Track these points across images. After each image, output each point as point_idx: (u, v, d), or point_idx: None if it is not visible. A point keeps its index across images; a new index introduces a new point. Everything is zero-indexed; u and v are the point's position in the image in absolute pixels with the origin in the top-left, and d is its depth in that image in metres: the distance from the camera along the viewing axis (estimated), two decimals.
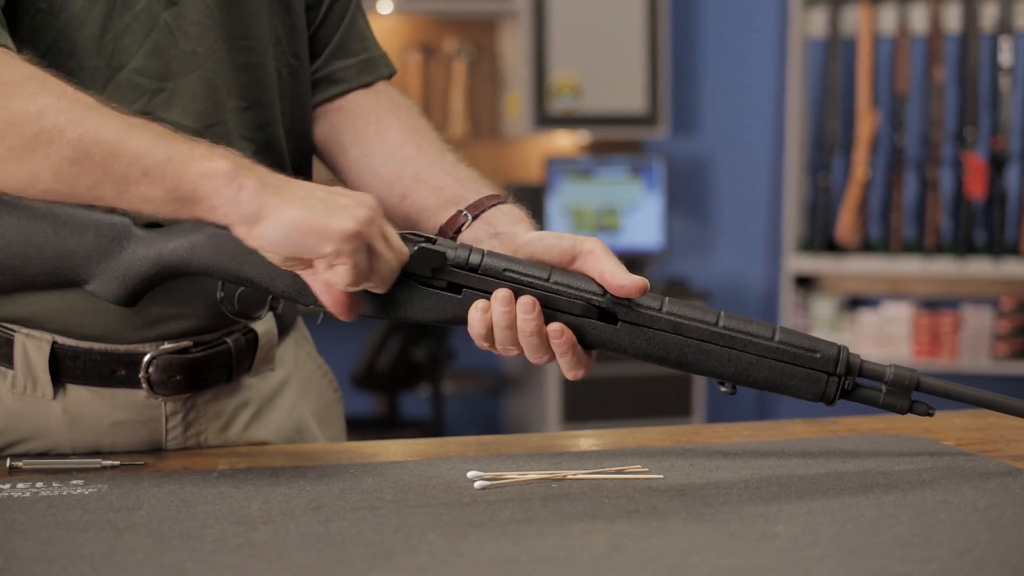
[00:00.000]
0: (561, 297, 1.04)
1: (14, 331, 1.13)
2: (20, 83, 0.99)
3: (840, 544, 0.85)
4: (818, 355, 1.05)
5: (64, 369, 1.14)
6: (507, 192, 1.19)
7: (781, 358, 1.05)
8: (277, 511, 0.94)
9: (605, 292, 1.03)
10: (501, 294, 1.03)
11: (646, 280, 1.03)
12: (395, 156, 1.24)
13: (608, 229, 4.59)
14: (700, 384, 4.42)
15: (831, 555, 0.82)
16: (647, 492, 1.00)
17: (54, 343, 1.13)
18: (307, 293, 1.04)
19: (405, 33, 4.63)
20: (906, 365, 1.08)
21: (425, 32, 4.69)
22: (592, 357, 1.06)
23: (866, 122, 4.40)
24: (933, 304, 4.56)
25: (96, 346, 1.14)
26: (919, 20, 4.39)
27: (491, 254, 1.05)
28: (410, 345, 4.11)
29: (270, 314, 1.24)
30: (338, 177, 1.30)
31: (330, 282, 0.99)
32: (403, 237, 1.05)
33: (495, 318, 1.03)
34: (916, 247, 4.41)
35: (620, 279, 1.02)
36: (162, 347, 1.15)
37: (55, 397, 1.15)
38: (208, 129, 1.14)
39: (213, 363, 1.18)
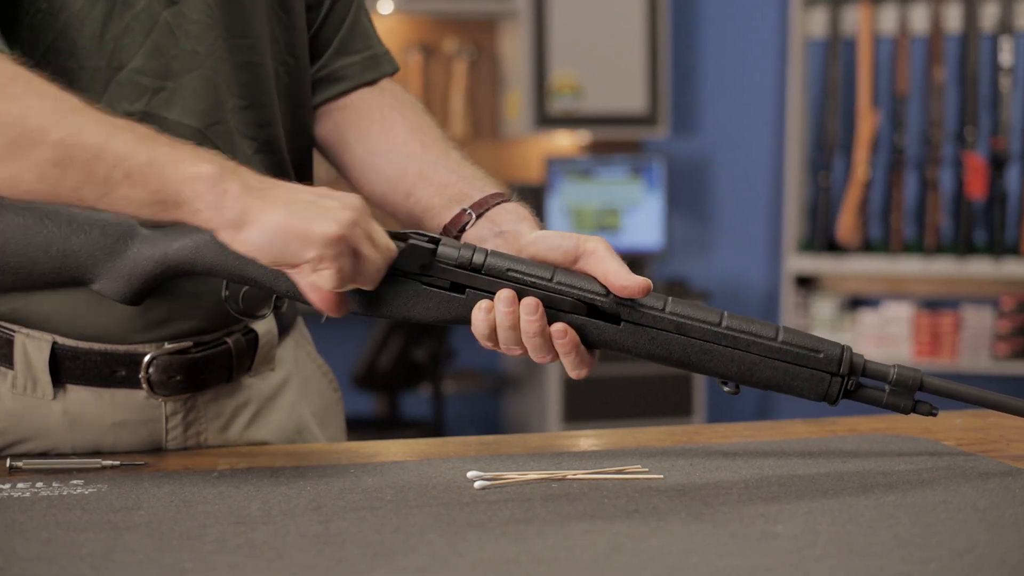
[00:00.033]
0: (564, 298, 1.04)
1: (14, 331, 1.13)
2: (5, 84, 0.99)
3: (840, 544, 0.85)
4: (821, 355, 1.05)
5: (64, 369, 1.14)
6: (511, 190, 1.18)
7: (784, 358, 1.04)
8: (277, 511, 0.94)
9: (608, 292, 1.03)
10: (504, 295, 1.03)
11: (649, 281, 1.03)
12: (399, 153, 1.24)
13: (608, 229, 4.59)
14: (701, 384, 4.42)
15: (831, 555, 0.82)
16: (647, 492, 1.00)
17: (54, 343, 1.13)
18: None
19: (405, 33, 4.63)
20: (907, 365, 1.08)
21: (425, 32, 4.69)
22: (595, 356, 1.06)
23: (866, 122, 4.40)
24: (933, 304, 4.56)
25: (96, 346, 1.14)
26: (919, 20, 4.39)
27: (494, 254, 1.05)
28: (411, 345, 4.11)
29: (271, 314, 1.24)
30: (343, 175, 1.30)
31: (316, 284, 0.99)
32: (405, 236, 1.05)
33: (498, 319, 1.03)
34: (916, 247, 4.41)
35: (623, 280, 1.02)
36: (162, 347, 1.15)
37: (55, 397, 1.15)
38: (209, 128, 1.14)
39: (213, 363, 1.18)
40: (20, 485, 1.02)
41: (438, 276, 1.04)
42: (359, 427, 3.91)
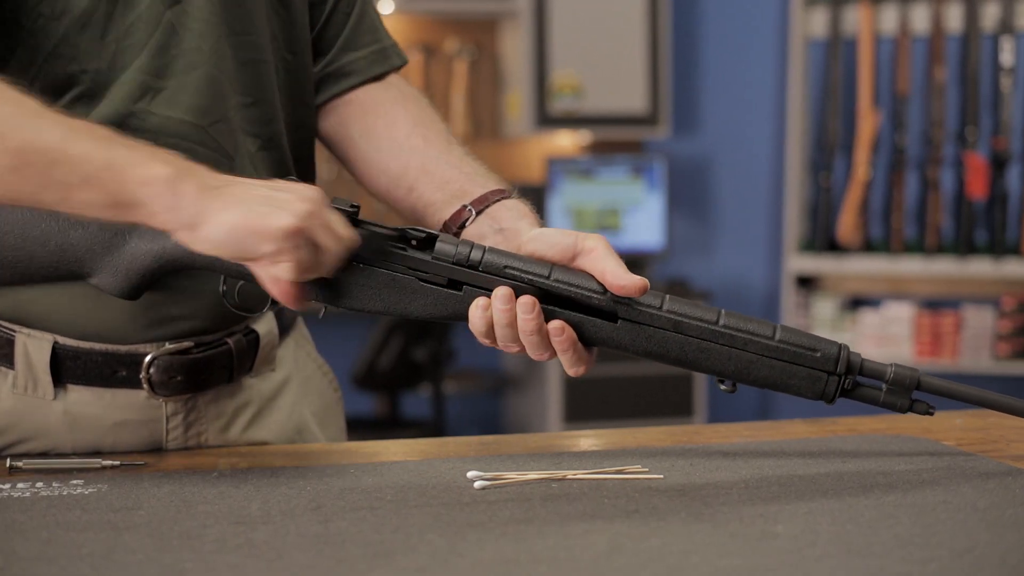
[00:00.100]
0: (561, 295, 1.04)
1: (15, 331, 1.13)
2: None
3: (840, 544, 0.85)
4: (818, 354, 1.05)
5: (65, 369, 1.14)
6: (512, 186, 1.18)
7: (781, 357, 1.04)
8: (277, 511, 0.94)
9: (606, 290, 1.03)
10: (501, 292, 1.03)
11: (646, 280, 1.03)
12: (402, 148, 1.24)
13: (609, 229, 4.59)
14: (701, 384, 4.42)
15: (831, 555, 0.82)
16: (647, 492, 1.00)
17: (55, 343, 1.13)
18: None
19: (406, 33, 4.63)
20: (907, 365, 1.08)
21: (426, 32, 4.69)
22: (594, 354, 1.06)
23: (867, 122, 4.40)
24: (934, 304, 4.56)
25: (97, 346, 1.14)
26: (920, 20, 4.39)
27: (492, 250, 1.05)
28: (411, 345, 4.11)
29: (271, 315, 1.24)
30: (347, 170, 1.30)
31: (275, 276, 0.99)
32: (404, 233, 1.05)
33: (495, 316, 1.03)
34: (917, 247, 4.41)
35: (620, 279, 1.02)
36: (163, 348, 1.15)
37: (56, 397, 1.15)
38: (212, 126, 1.14)
39: (214, 364, 1.18)
40: (20, 485, 1.02)
41: (432, 271, 1.04)
42: (359, 427, 3.91)
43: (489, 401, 4.94)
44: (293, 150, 1.24)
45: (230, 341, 1.19)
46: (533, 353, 1.04)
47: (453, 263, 1.04)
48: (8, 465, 1.08)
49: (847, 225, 4.42)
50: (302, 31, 1.24)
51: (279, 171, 1.21)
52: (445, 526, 0.89)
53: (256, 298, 1.10)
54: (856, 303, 4.65)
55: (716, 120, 4.89)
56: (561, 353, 1.04)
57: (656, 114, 4.62)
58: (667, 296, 1.05)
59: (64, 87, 1.10)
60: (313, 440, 1.29)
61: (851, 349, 1.06)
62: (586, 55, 4.56)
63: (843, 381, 1.05)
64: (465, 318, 1.04)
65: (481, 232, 1.12)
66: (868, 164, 4.40)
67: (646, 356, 1.05)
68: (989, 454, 1.14)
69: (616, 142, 4.80)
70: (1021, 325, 4.38)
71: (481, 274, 1.04)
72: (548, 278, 1.04)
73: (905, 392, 1.06)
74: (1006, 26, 4.30)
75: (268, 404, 1.25)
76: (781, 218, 4.73)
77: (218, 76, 1.15)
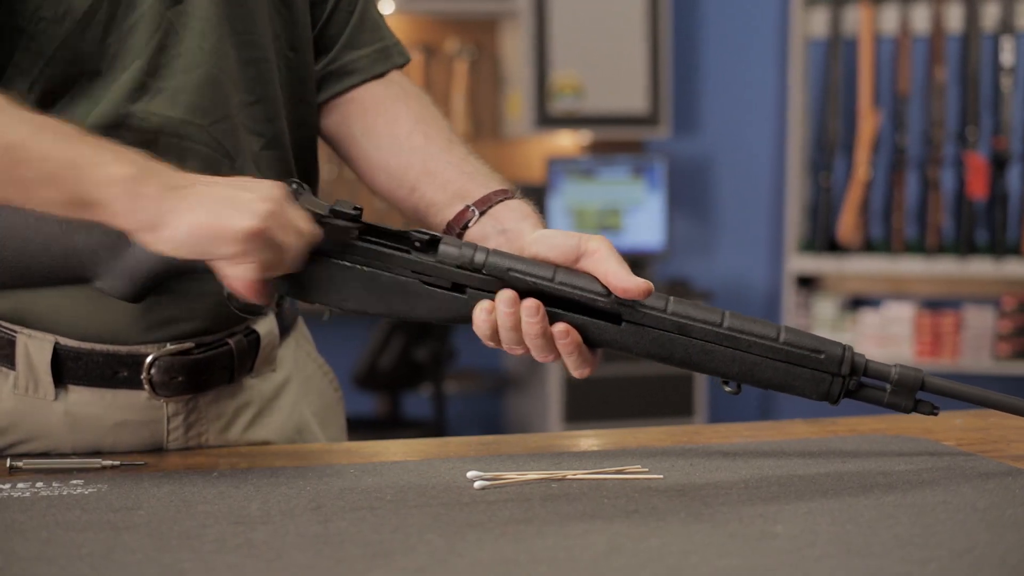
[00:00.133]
0: (565, 298, 1.03)
1: (16, 331, 1.13)
2: None
3: (839, 544, 0.85)
4: (823, 356, 1.05)
5: (66, 370, 1.14)
6: (515, 186, 1.18)
7: (786, 359, 1.04)
8: (276, 511, 0.94)
9: (610, 292, 1.03)
10: (505, 295, 1.03)
11: (650, 283, 1.02)
12: (403, 147, 1.23)
13: (610, 229, 4.59)
14: (702, 384, 4.42)
15: (830, 555, 0.82)
16: (647, 492, 1.00)
17: (56, 344, 1.13)
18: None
19: (406, 33, 4.63)
20: (909, 365, 1.08)
21: (426, 32, 4.69)
22: (598, 355, 1.06)
23: (868, 122, 4.40)
24: (935, 304, 4.56)
25: (98, 347, 1.14)
26: (920, 20, 4.39)
27: (495, 253, 1.05)
28: (412, 345, 4.11)
29: (272, 315, 1.24)
30: (350, 168, 1.30)
31: (237, 275, 0.99)
32: (405, 234, 1.05)
33: (499, 319, 1.03)
34: (918, 247, 4.41)
35: (624, 281, 1.02)
36: (164, 348, 1.15)
37: (57, 398, 1.15)
38: (213, 125, 1.14)
39: (215, 364, 1.18)
40: (20, 485, 1.02)
41: (436, 275, 1.04)
42: (360, 427, 3.91)
43: (490, 401, 4.94)
44: (295, 149, 1.24)
45: (231, 342, 1.19)
46: (538, 355, 1.04)
47: (457, 266, 1.04)
48: (8, 465, 1.08)
49: (847, 225, 4.42)
50: (304, 29, 1.24)
51: (282, 170, 1.21)
52: (444, 526, 0.89)
53: None
54: (856, 303, 4.65)
55: (716, 120, 4.89)
56: (566, 356, 1.04)
57: (656, 114, 4.62)
58: (671, 298, 1.05)
59: (64, 89, 1.10)
60: (314, 440, 1.29)
61: (854, 350, 1.06)
62: (586, 55, 4.57)
63: (847, 382, 1.05)
64: (469, 321, 1.04)
65: (484, 233, 1.12)
66: (868, 164, 4.40)
67: (650, 358, 1.05)
68: (989, 454, 1.14)
69: (617, 142, 4.80)
70: (1021, 325, 4.38)
71: (485, 277, 1.04)
72: (552, 281, 1.03)
73: (909, 393, 1.06)
74: (1006, 26, 4.30)
75: (269, 404, 1.25)
76: (781, 218, 4.73)
77: (219, 75, 1.15)
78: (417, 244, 1.05)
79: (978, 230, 4.35)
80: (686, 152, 4.87)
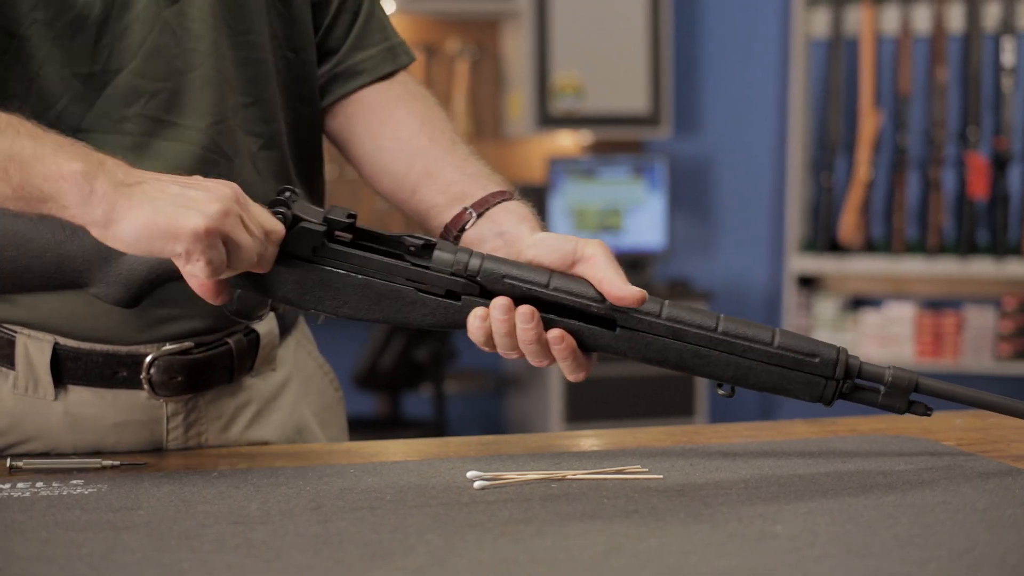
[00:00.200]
0: (560, 304, 1.03)
1: (16, 332, 1.13)
2: None
3: (839, 544, 0.85)
4: (817, 359, 1.05)
5: (66, 370, 1.14)
6: (514, 187, 1.18)
7: (780, 363, 1.05)
8: (276, 511, 0.94)
9: (605, 298, 1.03)
10: (500, 302, 1.02)
11: (644, 291, 1.02)
12: (405, 149, 1.23)
13: (611, 229, 4.59)
14: (703, 385, 4.42)
15: (830, 555, 0.82)
16: (646, 492, 1.00)
17: (56, 344, 1.13)
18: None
19: (408, 33, 4.59)
20: (909, 365, 1.08)
21: (428, 32, 4.69)
22: (593, 359, 1.06)
23: (869, 122, 4.40)
24: (936, 304, 4.56)
25: (98, 347, 1.14)
26: (922, 20, 4.39)
27: (490, 258, 1.05)
28: (412, 345, 4.11)
29: (271, 314, 1.24)
30: (355, 170, 1.29)
31: (192, 273, 0.98)
32: (400, 239, 1.04)
33: (494, 326, 1.03)
34: (919, 247, 4.41)
35: (618, 289, 1.02)
36: (163, 348, 1.15)
37: (56, 398, 1.15)
38: (211, 127, 1.14)
39: (214, 364, 1.18)
40: (20, 485, 1.02)
41: (430, 282, 1.04)
42: (361, 427, 3.91)
43: (490, 401, 4.94)
44: (296, 149, 1.24)
45: (230, 341, 1.19)
46: (533, 360, 1.04)
47: (451, 272, 1.04)
48: (8, 465, 1.08)
49: (848, 225, 4.42)
50: (304, 29, 1.24)
51: (280, 170, 1.21)
52: (444, 526, 0.89)
53: (255, 305, 1.09)
54: (857, 303, 4.65)
55: (717, 120, 4.88)
56: (561, 360, 1.04)
57: (657, 114, 4.62)
58: (666, 303, 1.05)
59: (60, 91, 1.10)
60: (314, 440, 1.29)
61: (850, 352, 1.06)
62: (587, 55, 4.56)
63: (841, 385, 1.05)
64: (464, 327, 1.04)
65: (481, 235, 1.12)
66: (869, 164, 4.40)
67: (645, 362, 1.05)
68: (989, 454, 1.14)
69: (617, 142, 4.80)
70: (1022, 325, 4.38)
71: (479, 284, 1.04)
72: (547, 287, 1.03)
73: (903, 394, 1.06)
74: (1007, 26, 4.30)
75: (269, 404, 1.25)
76: (782, 218, 4.73)
77: (216, 77, 1.15)
78: (411, 249, 1.04)
79: (979, 230, 4.35)
80: (687, 152, 4.86)
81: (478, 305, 1.03)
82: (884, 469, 1.08)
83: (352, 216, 1.04)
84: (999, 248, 4.31)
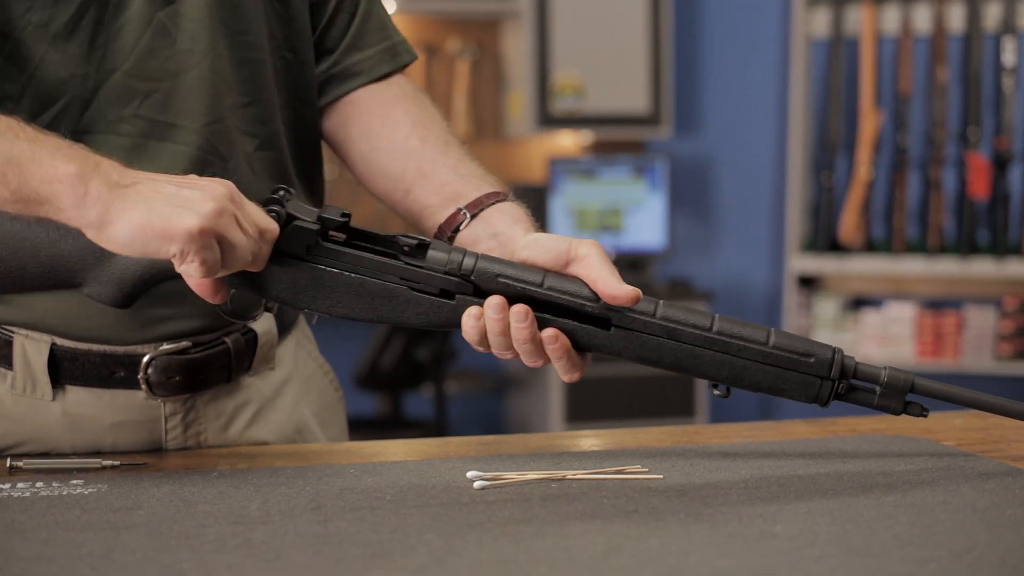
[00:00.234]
0: (554, 303, 1.03)
1: (13, 332, 1.13)
2: None
3: (839, 544, 0.85)
4: (812, 359, 1.05)
5: (63, 370, 1.14)
6: (508, 188, 1.18)
7: (775, 363, 1.04)
8: (276, 511, 0.94)
9: (599, 298, 1.03)
10: (493, 301, 1.02)
11: (638, 290, 1.02)
12: (399, 150, 1.23)
13: (611, 229, 4.59)
14: (703, 385, 4.42)
15: (830, 555, 0.82)
16: (646, 492, 1.00)
17: (53, 344, 1.13)
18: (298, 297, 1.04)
19: (408, 33, 4.57)
20: (909, 365, 1.08)
21: (428, 32, 4.69)
22: (588, 359, 1.06)
23: (869, 122, 4.40)
24: (936, 304, 4.56)
25: (95, 347, 1.14)
26: (922, 20, 4.39)
27: (484, 258, 1.04)
28: (413, 345, 4.11)
29: (269, 314, 1.24)
30: (349, 171, 1.29)
31: (187, 273, 0.99)
32: (394, 239, 1.04)
33: (488, 325, 1.02)
34: (919, 247, 4.41)
35: (612, 288, 1.02)
36: (161, 348, 1.15)
37: (54, 398, 1.15)
38: (206, 127, 1.14)
39: (212, 364, 1.18)
40: (20, 485, 1.02)
41: (424, 281, 1.04)
42: (361, 427, 3.91)
43: (491, 401, 4.94)
44: (295, 149, 1.24)
45: (228, 341, 1.19)
46: (527, 360, 1.04)
47: (445, 272, 1.04)
48: (8, 465, 1.08)
49: (849, 225, 4.42)
50: (302, 28, 1.24)
51: (277, 171, 1.21)
52: (444, 526, 0.89)
53: (249, 304, 1.09)
54: (858, 303, 4.65)
55: (718, 120, 4.88)
56: (555, 360, 1.04)
57: (658, 114, 4.62)
58: (660, 302, 1.05)
59: (55, 93, 1.10)
60: (314, 440, 1.29)
61: (851, 352, 1.06)
62: (588, 55, 4.57)
63: (837, 385, 1.05)
64: (458, 326, 1.04)
65: (475, 236, 1.12)
66: (870, 164, 4.40)
67: (640, 362, 1.05)
68: (989, 454, 1.14)
69: (618, 142, 4.80)
70: (1023, 325, 4.38)
71: (473, 283, 1.04)
72: (541, 286, 1.03)
73: (899, 395, 1.06)
74: (1008, 26, 4.30)
75: (268, 404, 1.25)
76: (783, 218, 4.73)
77: (212, 77, 1.15)
78: (406, 248, 1.04)
79: (979, 230, 4.35)
80: (687, 152, 4.86)
81: (472, 304, 1.03)
82: (884, 469, 1.08)
83: (346, 215, 1.04)
84: (999, 248, 4.31)
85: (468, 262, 1.04)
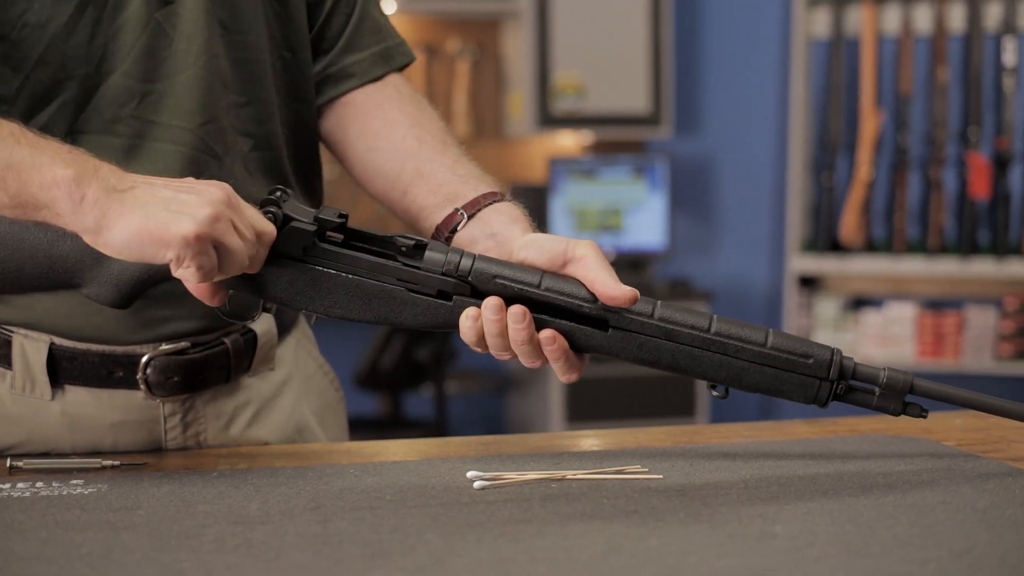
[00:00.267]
0: (552, 304, 1.03)
1: (12, 332, 1.14)
2: None
3: (838, 544, 0.85)
4: (811, 360, 1.04)
5: (62, 370, 1.14)
6: (505, 188, 1.18)
7: (773, 364, 1.04)
8: (276, 511, 0.94)
9: (596, 299, 1.03)
10: (491, 302, 1.02)
11: (636, 291, 1.02)
12: (397, 151, 1.23)
13: (611, 229, 4.59)
14: (703, 385, 4.40)
15: (829, 555, 0.82)
16: (646, 492, 1.00)
17: (52, 344, 1.13)
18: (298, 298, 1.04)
19: (408, 33, 4.61)
20: (910, 365, 1.08)
21: (428, 32, 4.69)
22: (586, 360, 1.06)
23: (870, 122, 4.40)
24: (937, 304, 4.56)
25: (94, 347, 1.14)
26: (923, 20, 4.39)
27: (482, 258, 1.04)
28: (413, 345, 4.11)
29: (268, 314, 1.24)
30: (347, 172, 1.29)
31: (184, 277, 0.98)
32: (391, 240, 1.04)
33: (486, 326, 1.02)
34: (920, 247, 4.41)
35: (610, 289, 1.02)
36: (160, 348, 1.15)
37: (54, 398, 1.15)
38: (202, 127, 1.14)
39: (211, 364, 1.18)
40: (20, 485, 1.02)
41: (422, 283, 1.04)
42: (362, 427, 3.91)
43: (492, 401, 4.94)
44: (293, 150, 1.24)
45: (227, 341, 1.19)
46: (525, 361, 1.04)
47: (442, 273, 1.04)
48: (8, 465, 1.08)
49: (849, 225, 4.42)
50: (300, 28, 1.24)
51: (273, 171, 1.21)
52: (443, 526, 0.89)
53: (247, 305, 1.09)
54: (858, 303, 4.65)
55: (718, 120, 4.88)
56: (553, 361, 1.03)
57: (658, 114, 4.62)
58: (658, 303, 1.04)
59: (51, 94, 1.10)
60: (314, 440, 1.29)
61: (851, 353, 1.06)
62: (588, 55, 4.56)
63: (836, 386, 1.05)
64: (456, 327, 1.04)
65: (473, 237, 1.12)
66: (870, 164, 4.40)
67: (638, 363, 1.05)
68: (989, 455, 1.14)
69: (618, 142, 4.80)
70: (1023, 325, 4.38)
71: (470, 284, 1.03)
72: (538, 287, 1.03)
73: (898, 396, 1.06)
74: (1008, 26, 4.30)
75: (268, 404, 1.25)
76: (783, 218, 4.73)
77: (208, 77, 1.15)
78: (403, 249, 1.04)
79: (980, 230, 4.35)
80: (687, 152, 4.86)
81: (470, 305, 1.03)
82: (884, 470, 1.08)
83: (343, 216, 1.04)
84: (1000, 248, 4.31)
85: (465, 263, 1.03)
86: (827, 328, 4.49)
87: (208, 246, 0.96)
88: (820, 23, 4.52)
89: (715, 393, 1.06)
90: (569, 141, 4.82)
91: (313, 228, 1.02)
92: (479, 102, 4.75)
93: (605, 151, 4.81)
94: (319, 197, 1.30)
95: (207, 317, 1.16)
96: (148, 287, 1.05)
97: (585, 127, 4.64)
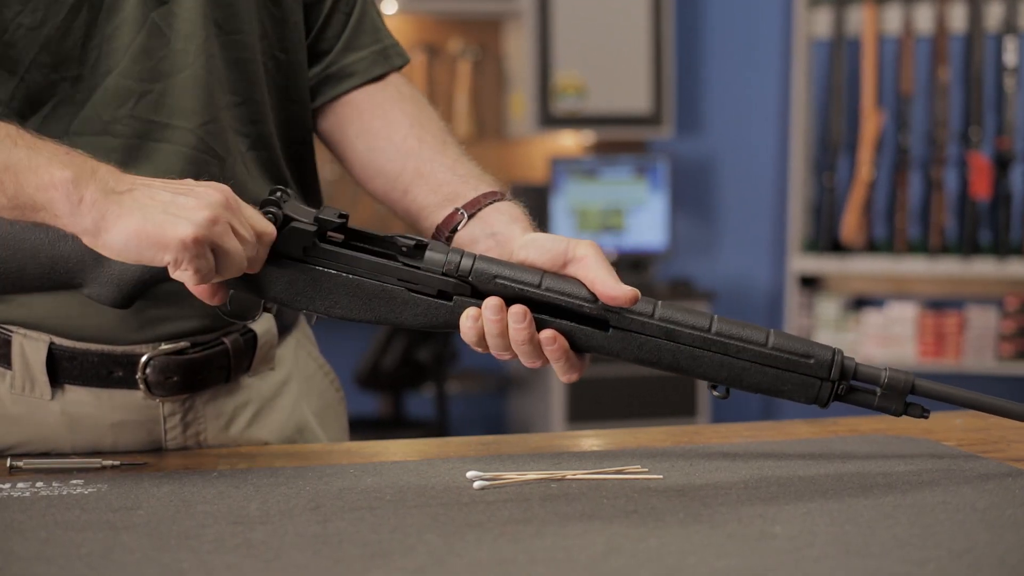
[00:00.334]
0: (552, 304, 1.03)
1: (12, 331, 1.14)
2: None
3: (838, 545, 0.85)
4: (812, 360, 1.04)
5: (62, 370, 1.14)
6: (506, 188, 1.18)
7: (774, 364, 1.04)
8: (275, 511, 0.94)
9: (597, 299, 1.03)
10: (491, 302, 1.02)
11: (636, 291, 1.02)
12: (397, 150, 1.23)
13: (613, 229, 4.59)
14: (703, 385, 4.40)
15: (829, 556, 0.82)
16: (646, 493, 1.00)
17: (51, 344, 1.13)
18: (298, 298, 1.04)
19: (409, 33, 4.63)
20: (911, 365, 1.08)
21: (429, 32, 4.69)
22: (586, 360, 1.06)
23: (871, 122, 4.40)
24: (938, 304, 4.56)
25: (93, 347, 1.14)
26: (924, 20, 4.39)
27: (482, 258, 1.04)
28: (414, 345, 4.11)
29: (269, 314, 1.24)
30: (347, 171, 1.29)
31: (183, 280, 0.98)
32: (392, 240, 1.04)
33: (486, 326, 1.02)
34: (921, 247, 4.41)
35: (610, 289, 1.02)
36: (159, 348, 1.15)
37: (53, 398, 1.15)
38: (201, 126, 1.14)
39: (211, 364, 1.18)
40: (20, 485, 1.02)
41: (422, 283, 1.04)
42: (362, 427, 3.91)
43: (492, 401, 4.94)
44: (287, 150, 1.24)
45: (227, 341, 1.19)
46: (525, 361, 1.04)
47: (443, 273, 1.04)
48: (8, 465, 1.08)
49: (851, 225, 4.42)
50: (294, 29, 1.24)
51: (269, 170, 1.21)
52: (443, 526, 0.89)
53: (248, 305, 1.09)
54: (859, 303, 4.65)
55: (720, 120, 4.88)
56: (553, 361, 1.03)
57: (659, 114, 4.62)
58: (659, 303, 1.04)
59: (46, 95, 1.10)
60: (314, 440, 1.29)
61: (852, 353, 1.06)
62: (590, 55, 4.57)
63: (837, 387, 1.05)
64: (456, 327, 1.04)
65: (473, 236, 1.12)
66: (872, 164, 4.40)
67: (638, 363, 1.05)
68: (990, 455, 1.14)
69: (619, 142, 4.80)
70: None
71: (471, 284, 1.03)
72: (539, 287, 1.03)
73: (899, 396, 1.06)
74: (1010, 26, 4.30)
75: (268, 404, 1.25)
76: (785, 218, 4.73)
77: (206, 76, 1.15)
78: (403, 249, 1.04)
79: (981, 230, 4.35)
80: (689, 152, 4.86)
81: (470, 305, 1.03)
82: (884, 470, 1.08)
83: (344, 216, 1.04)
84: (1001, 248, 4.31)
85: (466, 263, 1.03)
86: (828, 328, 4.49)
87: (205, 249, 0.96)
88: (821, 23, 4.52)
89: (716, 393, 1.06)
90: (570, 141, 4.83)
91: (313, 228, 1.02)
92: (480, 102, 4.75)
93: (606, 151, 4.81)
94: (316, 196, 1.30)
95: (207, 317, 1.16)
96: (149, 287, 1.05)
97: (586, 127, 4.64)
